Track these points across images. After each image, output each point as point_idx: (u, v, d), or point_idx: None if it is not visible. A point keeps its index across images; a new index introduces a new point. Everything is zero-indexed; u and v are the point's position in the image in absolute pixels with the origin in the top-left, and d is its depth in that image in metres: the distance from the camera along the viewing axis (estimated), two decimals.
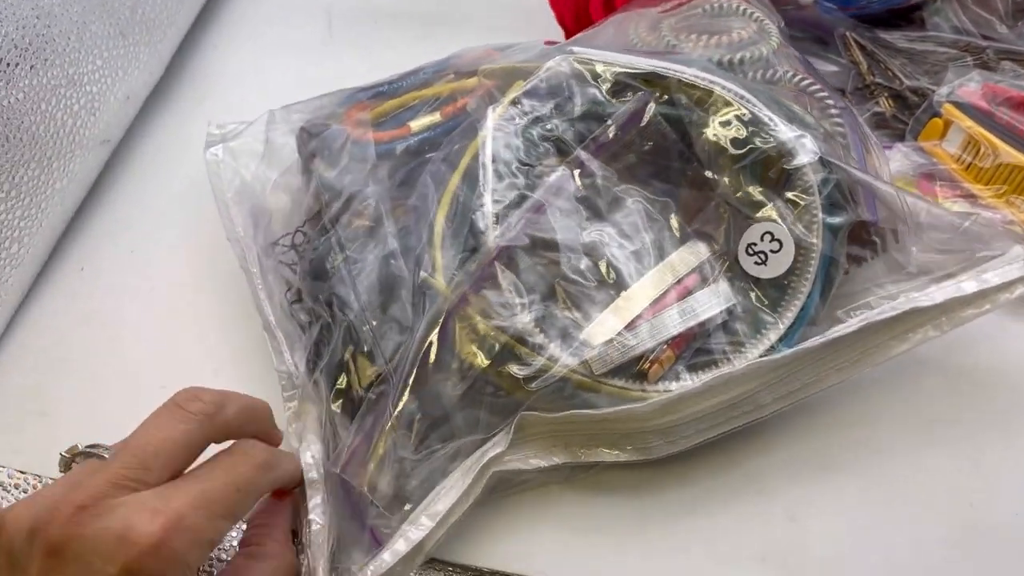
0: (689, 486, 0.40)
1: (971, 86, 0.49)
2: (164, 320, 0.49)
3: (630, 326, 0.38)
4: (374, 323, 0.39)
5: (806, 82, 0.43)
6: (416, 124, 0.44)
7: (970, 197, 0.48)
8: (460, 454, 0.37)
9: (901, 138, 0.52)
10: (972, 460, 0.41)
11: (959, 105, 0.49)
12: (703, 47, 0.44)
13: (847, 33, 0.57)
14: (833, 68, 0.59)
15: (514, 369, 0.37)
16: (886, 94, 0.55)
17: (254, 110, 0.51)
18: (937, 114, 0.49)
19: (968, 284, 0.38)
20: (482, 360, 0.37)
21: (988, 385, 0.44)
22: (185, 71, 0.63)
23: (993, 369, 0.44)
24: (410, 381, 0.37)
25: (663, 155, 0.40)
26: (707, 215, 0.40)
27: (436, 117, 0.44)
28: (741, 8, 0.47)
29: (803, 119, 0.40)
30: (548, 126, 0.40)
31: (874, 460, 0.41)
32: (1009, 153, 0.46)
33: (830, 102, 0.43)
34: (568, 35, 0.58)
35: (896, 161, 0.50)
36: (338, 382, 0.39)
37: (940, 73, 0.54)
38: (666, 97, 0.40)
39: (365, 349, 0.39)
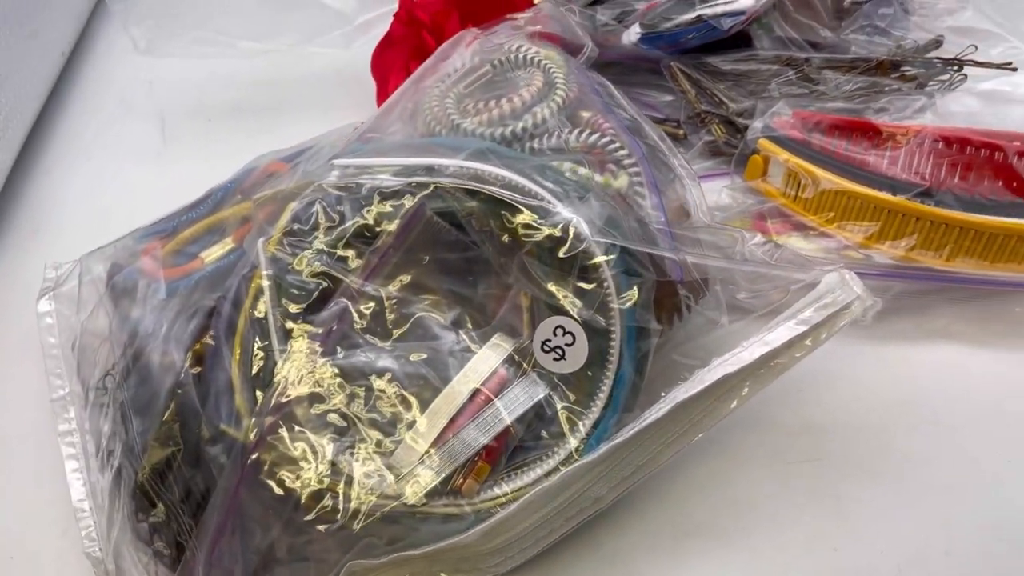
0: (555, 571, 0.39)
1: (783, 116, 0.48)
2: None
3: (438, 444, 0.36)
4: (174, 475, 0.38)
5: (594, 137, 0.42)
6: (208, 255, 0.43)
7: (803, 228, 0.47)
8: None
9: None
10: (834, 498, 0.40)
11: (774, 138, 0.47)
12: (486, 121, 0.43)
13: (672, 63, 0.56)
14: (669, 97, 0.59)
15: (323, 514, 0.35)
16: (716, 120, 0.54)
17: (92, 235, 0.50)
18: (756, 151, 0.48)
19: (776, 335, 0.36)
20: (291, 509, 0.35)
21: (843, 417, 0.43)
22: (19, 202, 0.61)
23: (846, 400, 0.44)
24: (218, 536, 0.35)
25: (448, 255, 0.39)
26: (507, 307, 0.38)
27: (228, 244, 0.43)
28: (531, 56, 0.45)
29: (586, 187, 0.39)
30: (322, 256, 0.38)
31: (733, 516, 0.40)
32: (829, 180, 0.45)
33: (623, 152, 0.42)
34: None
35: (727, 203, 0.49)
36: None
37: (763, 93, 0.54)
38: (440, 194, 0.39)
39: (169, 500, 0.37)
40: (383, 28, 0.60)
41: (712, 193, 0.51)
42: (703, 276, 0.39)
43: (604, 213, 0.37)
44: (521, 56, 0.45)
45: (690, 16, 0.54)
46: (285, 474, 0.36)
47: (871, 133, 0.48)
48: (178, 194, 0.52)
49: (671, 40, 0.55)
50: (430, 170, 0.38)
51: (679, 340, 0.40)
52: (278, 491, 0.36)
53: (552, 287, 0.37)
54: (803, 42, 0.56)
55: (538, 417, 0.37)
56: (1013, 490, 0.40)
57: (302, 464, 0.36)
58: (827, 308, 0.36)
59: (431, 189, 0.38)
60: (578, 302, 0.36)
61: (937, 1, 0.56)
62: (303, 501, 0.35)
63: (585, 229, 0.36)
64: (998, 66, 0.52)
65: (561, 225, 0.36)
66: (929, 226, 0.43)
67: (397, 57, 0.58)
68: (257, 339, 0.38)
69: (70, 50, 0.69)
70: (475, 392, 0.37)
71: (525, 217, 0.37)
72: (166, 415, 0.39)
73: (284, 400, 0.37)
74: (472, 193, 0.38)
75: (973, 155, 0.46)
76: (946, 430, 0.42)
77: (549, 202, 0.37)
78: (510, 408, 0.37)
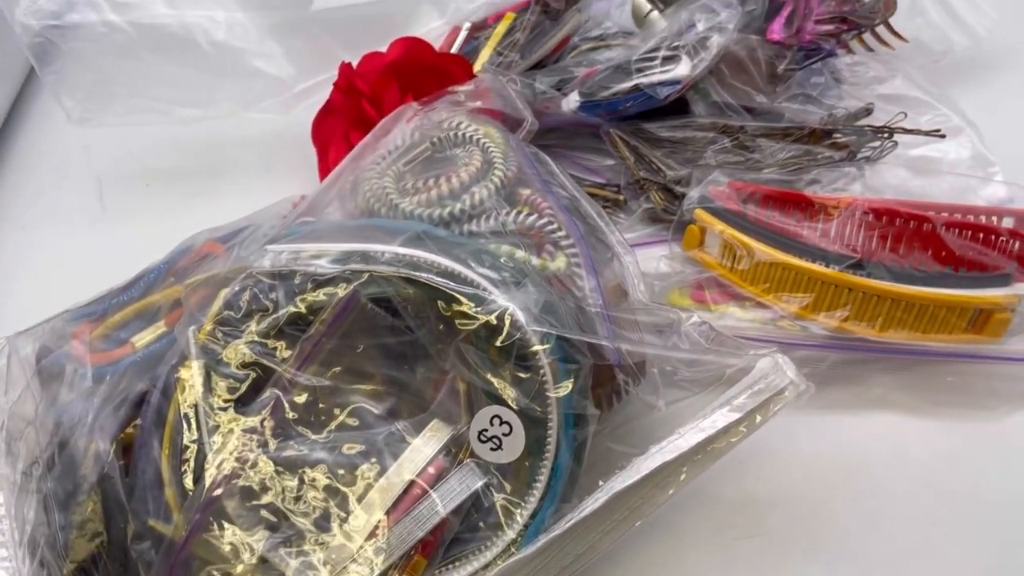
0: None
1: (719, 185, 0.49)
2: None
3: (373, 539, 0.35)
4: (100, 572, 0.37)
5: (532, 218, 0.42)
6: (139, 340, 0.42)
7: (740, 299, 0.47)
8: None
9: None
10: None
11: (710, 209, 0.48)
12: (424, 202, 0.42)
13: (611, 130, 0.56)
14: (610, 161, 0.59)
15: None
16: (655, 187, 0.54)
17: (28, 312, 0.47)
18: (692, 221, 0.49)
19: (711, 421, 0.36)
20: None
21: (784, 491, 0.43)
22: None
23: (787, 473, 0.44)
24: None
25: (385, 340, 0.38)
26: (444, 393, 0.38)
27: (160, 328, 0.41)
28: (469, 134, 0.45)
29: (523, 272, 0.39)
30: (254, 345, 0.37)
31: None
32: (763, 251, 0.46)
33: (561, 233, 0.42)
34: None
35: (665, 271, 0.50)
36: None
37: (700, 160, 0.54)
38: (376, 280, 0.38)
39: None
40: (323, 95, 0.60)
41: (651, 261, 0.51)
42: (640, 360, 0.39)
43: (540, 299, 0.37)
44: (460, 134, 0.45)
45: (627, 85, 0.55)
46: (215, 572, 0.35)
47: (804, 205, 0.48)
48: (117, 262, 0.51)
49: (609, 108, 0.55)
50: (366, 256, 0.38)
51: (616, 424, 0.40)
52: None
53: (489, 376, 0.36)
54: (739, 107, 0.57)
55: (475, 508, 0.37)
56: (952, 563, 0.40)
57: (233, 561, 0.35)
58: (760, 394, 0.36)
59: (366, 276, 0.38)
60: (515, 391, 0.36)
61: (867, 70, 0.58)
62: None
63: (521, 318, 0.36)
64: (927, 133, 0.53)
65: (497, 313, 0.36)
66: (861, 297, 0.44)
67: (337, 126, 0.58)
68: (187, 430, 0.37)
69: (3, 119, 0.67)
70: (411, 484, 0.36)
71: (461, 306, 0.36)
72: (90, 509, 0.38)
73: (215, 495, 0.36)
74: (409, 280, 0.37)
75: (902, 226, 0.47)
76: (885, 502, 0.42)
77: (485, 290, 0.37)
78: (446, 500, 0.36)
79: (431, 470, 0.37)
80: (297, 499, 0.36)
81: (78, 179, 0.65)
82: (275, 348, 0.38)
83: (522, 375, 0.36)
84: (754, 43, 0.57)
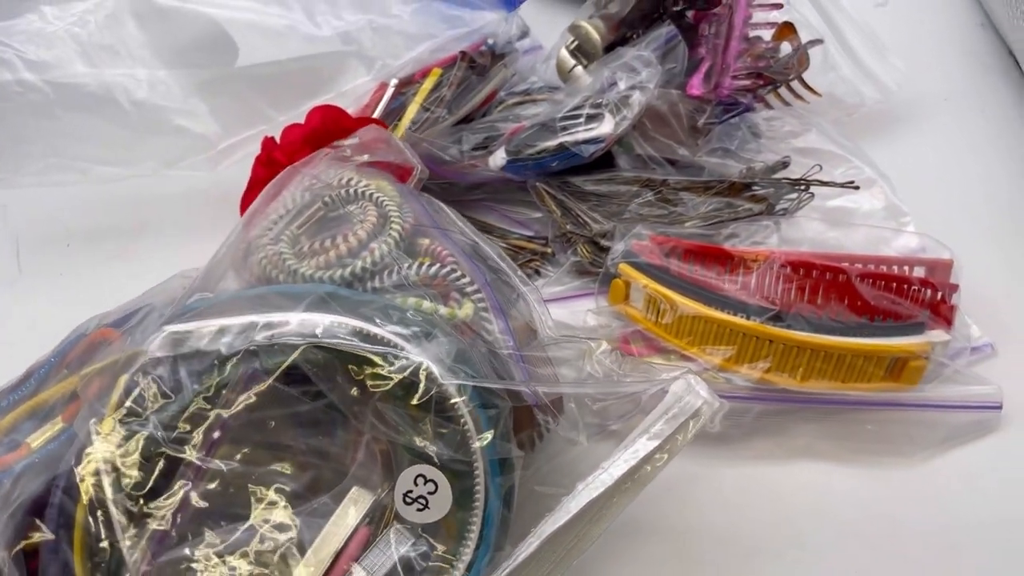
0: None
1: (642, 240, 0.49)
2: None
3: None
4: None
5: (435, 268, 0.42)
6: (35, 440, 0.39)
7: (665, 352, 0.48)
8: None
9: None
10: None
11: (634, 264, 0.48)
12: (323, 264, 0.42)
13: (537, 184, 0.57)
14: (538, 214, 0.59)
15: None
16: (582, 241, 0.55)
17: None
18: (616, 275, 0.49)
19: (632, 452, 0.36)
20: None
21: (712, 554, 0.43)
22: None
23: (716, 531, 0.44)
24: None
25: (298, 409, 0.38)
26: (362, 458, 0.37)
27: (58, 424, 0.39)
28: (361, 189, 0.45)
29: (431, 323, 0.38)
30: (159, 432, 0.36)
31: None
32: (686, 305, 0.46)
33: (465, 280, 0.42)
34: None
35: (592, 325, 0.50)
36: None
37: (625, 213, 0.55)
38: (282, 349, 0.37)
39: None
40: (249, 151, 0.59)
41: (578, 315, 0.52)
42: (557, 397, 0.40)
43: (452, 349, 0.37)
44: (352, 190, 0.45)
45: (553, 143, 0.55)
46: None
47: (724, 258, 0.49)
48: (34, 326, 0.49)
49: (536, 168, 0.56)
50: (269, 326, 0.37)
51: (540, 465, 0.40)
52: None
53: (410, 433, 0.36)
54: (662, 160, 0.58)
55: (409, 571, 0.36)
56: None
57: None
58: (676, 418, 0.37)
59: (272, 347, 0.37)
60: (437, 445, 0.36)
61: (783, 124, 0.59)
62: None
63: (436, 371, 0.36)
64: (842, 185, 0.54)
65: (411, 369, 0.36)
66: (782, 348, 0.45)
67: None
68: (100, 529, 0.35)
69: None
70: (336, 558, 0.36)
71: (374, 367, 0.36)
72: None
73: None
74: (318, 345, 0.37)
75: (819, 278, 0.48)
76: (811, 554, 0.43)
77: (396, 347, 0.36)
78: (373, 570, 0.35)
79: (356, 541, 0.36)
80: None
81: None
82: (185, 433, 0.36)
83: (443, 429, 0.36)
84: (675, 97, 0.58)
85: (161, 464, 0.36)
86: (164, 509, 0.35)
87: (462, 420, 0.36)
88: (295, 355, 0.36)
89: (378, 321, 0.37)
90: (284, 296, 0.39)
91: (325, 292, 0.38)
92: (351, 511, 0.36)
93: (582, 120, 0.56)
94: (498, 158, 0.57)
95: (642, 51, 0.58)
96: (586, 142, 0.55)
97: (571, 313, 0.53)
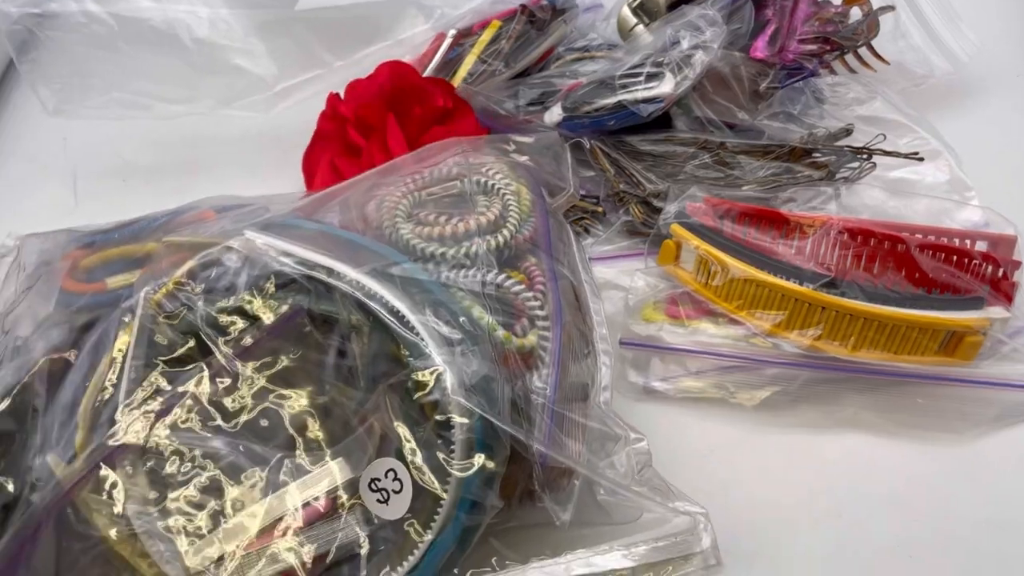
0: None
1: (696, 201, 0.48)
2: None
3: (232, 556, 0.35)
4: None
5: (519, 287, 0.40)
6: (113, 281, 0.43)
7: (713, 315, 0.47)
8: None
9: None
10: None
11: (687, 224, 0.48)
12: (424, 235, 0.41)
13: (592, 142, 0.56)
14: (591, 172, 0.59)
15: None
16: (634, 201, 0.54)
17: None
18: (668, 236, 0.48)
19: (602, 560, 0.35)
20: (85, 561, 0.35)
21: (748, 512, 0.42)
22: None
23: (752, 492, 0.43)
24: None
25: (316, 363, 0.38)
26: (356, 435, 0.36)
27: (135, 276, 0.42)
28: (499, 187, 0.44)
29: (477, 339, 0.36)
30: (200, 318, 0.38)
31: None
32: (738, 267, 0.45)
33: (541, 313, 0.40)
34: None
35: (640, 286, 0.49)
36: None
37: (681, 175, 0.54)
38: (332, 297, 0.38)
39: None
40: (304, 95, 0.60)
41: (626, 275, 0.51)
42: (566, 469, 0.37)
43: (480, 372, 0.35)
44: (490, 183, 0.44)
45: (611, 101, 0.55)
46: (90, 530, 0.36)
47: (779, 222, 0.48)
48: None
49: (592, 125, 0.55)
50: (331, 272, 0.37)
51: (509, 518, 0.37)
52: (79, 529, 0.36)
53: (401, 428, 0.35)
54: (720, 123, 0.57)
55: (347, 557, 0.35)
56: None
57: (107, 524, 0.36)
58: (662, 551, 0.35)
59: (323, 289, 0.38)
60: (420, 454, 0.35)
61: (848, 91, 0.58)
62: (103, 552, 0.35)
63: (450, 383, 0.34)
64: (905, 156, 0.53)
65: (430, 370, 0.35)
66: (834, 316, 0.44)
67: (323, 153, 0.57)
68: (110, 376, 0.37)
69: None
70: (292, 511, 0.35)
71: (399, 351, 0.36)
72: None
73: (112, 444, 0.36)
74: (363, 308, 0.37)
75: (877, 247, 0.47)
76: (849, 525, 0.42)
77: (425, 343, 0.35)
78: (321, 538, 0.35)
79: (321, 503, 0.36)
80: (184, 478, 0.36)
81: (54, 172, 0.64)
82: (222, 327, 0.38)
83: (435, 441, 0.35)
84: (738, 60, 0.57)
85: (191, 344, 0.38)
86: (174, 384, 0.37)
87: (452, 444, 0.34)
88: (340, 307, 0.37)
89: (425, 313, 0.36)
90: (365, 251, 0.39)
91: (399, 264, 0.38)
92: (324, 477, 0.36)
93: (642, 78, 0.55)
94: (554, 114, 0.57)
95: (707, 9, 0.56)
96: (645, 101, 0.54)
97: (618, 274, 0.52)
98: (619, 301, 0.50)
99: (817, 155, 0.53)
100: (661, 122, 0.57)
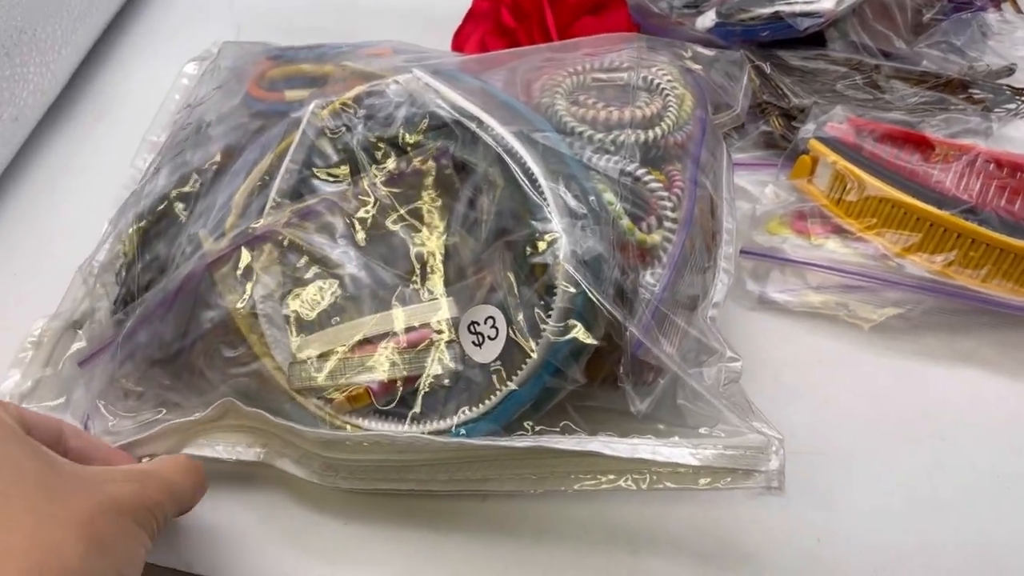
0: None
1: (838, 121, 0.48)
2: None
3: (341, 355, 0.38)
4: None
5: (657, 186, 0.40)
6: (291, 94, 0.46)
7: (841, 232, 0.47)
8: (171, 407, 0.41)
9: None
10: (825, 490, 0.40)
11: (825, 140, 0.47)
12: (577, 116, 0.42)
13: (741, 50, 0.56)
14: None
15: (225, 351, 0.39)
16: (776, 112, 0.54)
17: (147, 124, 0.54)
18: (805, 151, 0.48)
19: (666, 451, 0.34)
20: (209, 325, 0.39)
21: (849, 421, 0.43)
22: (86, 89, 0.63)
23: (859, 406, 0.43)
24: (145, 316, 0.40)
25: (448, 208, 0.40)
26: (468, 281, 0.38)
27: (309, 93, 0.45)
28: (664, 89, 0.43)
29: (602, 221, 0.37)
30: (356, 139, 0.41)
31: None
32: (875, 186, 0.45)
33: (672, 216, 0.39)
34: None
35: (768, 200, 0.49)
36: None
37: (829, 92, 0.53)
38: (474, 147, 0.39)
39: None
40: None
41: (757, 185, 0.51)
42: (656, 365, 0.36)
43: (595, 251, 0.35)
44: (656, 82, 0.44)
45: (767, 11, 0.54)
46: (226, 291, 0.40)
47: (923, 146, 0.47)
48: None
49: (745, 35, 0.55)
50: (480, 123, 0.39)
51: (586, 398, 0.38)
52: (210, 298, 0.40)
53: (509, 283, 0.36)
54: (876, 50, 0.55)
55: (433, 388, 0.37)
56: (1004, 512, 0.40)
57: (235, 298, 0.39)
58: (728, 460, 0.34)
59: (470, 139, 0.39)
60: (520, 311, 0.36)
61: (1015, 29, 0.56)
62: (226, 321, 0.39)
63: (563, 251, 0.35)
64: None
65: (548, 235, 0.36)
66: (969, 244, 0.43)
67: (474, 31, 0.59)
68: (268, 173, 0.41)
69: None
70: (399, 332, 0.38)
71: (525, 212, 0.37)
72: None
73: (255, 230, 0.40)
74: (501, 162, 0.38)
75: (1022, 180, 0.45)
76: (951, 447, 0.41)
77: (550, 209, 0.36)
78: (416, 364, 0.37)
79: (422, 332, 0.38)
80: (307, 283, 0.40)
81: (218, 22, 0.68)
82: (377, 152, 0.41)
83: (537, 302, 0.36)
84: None
85: (344, 161, 0.41)
86: (320, 195, 0.41)
87: (551, 309, 0.35)
88: (480, 158, 0.39)
89: (556, 181, 0.37)
90: (517, 112, 0.40)
91: (544, 132, 0.39)
92: (434, 309, 0.38)
93: None
94: (707, 19, 0.56)
95: None
96: (803, 15, 0.53)
97: (748, 184, 0.52)
98: (746, 210, 0.50)
99: (974, 90, 0.52)
100: (814, 41, 0.56)
